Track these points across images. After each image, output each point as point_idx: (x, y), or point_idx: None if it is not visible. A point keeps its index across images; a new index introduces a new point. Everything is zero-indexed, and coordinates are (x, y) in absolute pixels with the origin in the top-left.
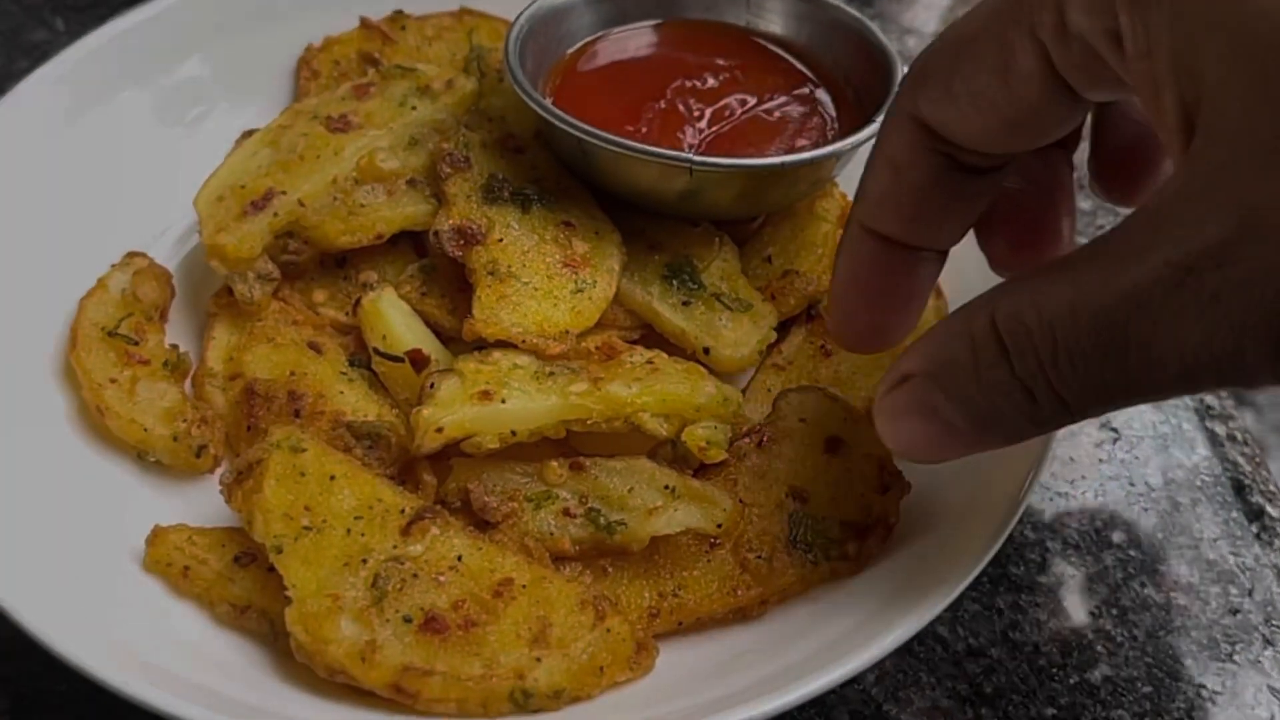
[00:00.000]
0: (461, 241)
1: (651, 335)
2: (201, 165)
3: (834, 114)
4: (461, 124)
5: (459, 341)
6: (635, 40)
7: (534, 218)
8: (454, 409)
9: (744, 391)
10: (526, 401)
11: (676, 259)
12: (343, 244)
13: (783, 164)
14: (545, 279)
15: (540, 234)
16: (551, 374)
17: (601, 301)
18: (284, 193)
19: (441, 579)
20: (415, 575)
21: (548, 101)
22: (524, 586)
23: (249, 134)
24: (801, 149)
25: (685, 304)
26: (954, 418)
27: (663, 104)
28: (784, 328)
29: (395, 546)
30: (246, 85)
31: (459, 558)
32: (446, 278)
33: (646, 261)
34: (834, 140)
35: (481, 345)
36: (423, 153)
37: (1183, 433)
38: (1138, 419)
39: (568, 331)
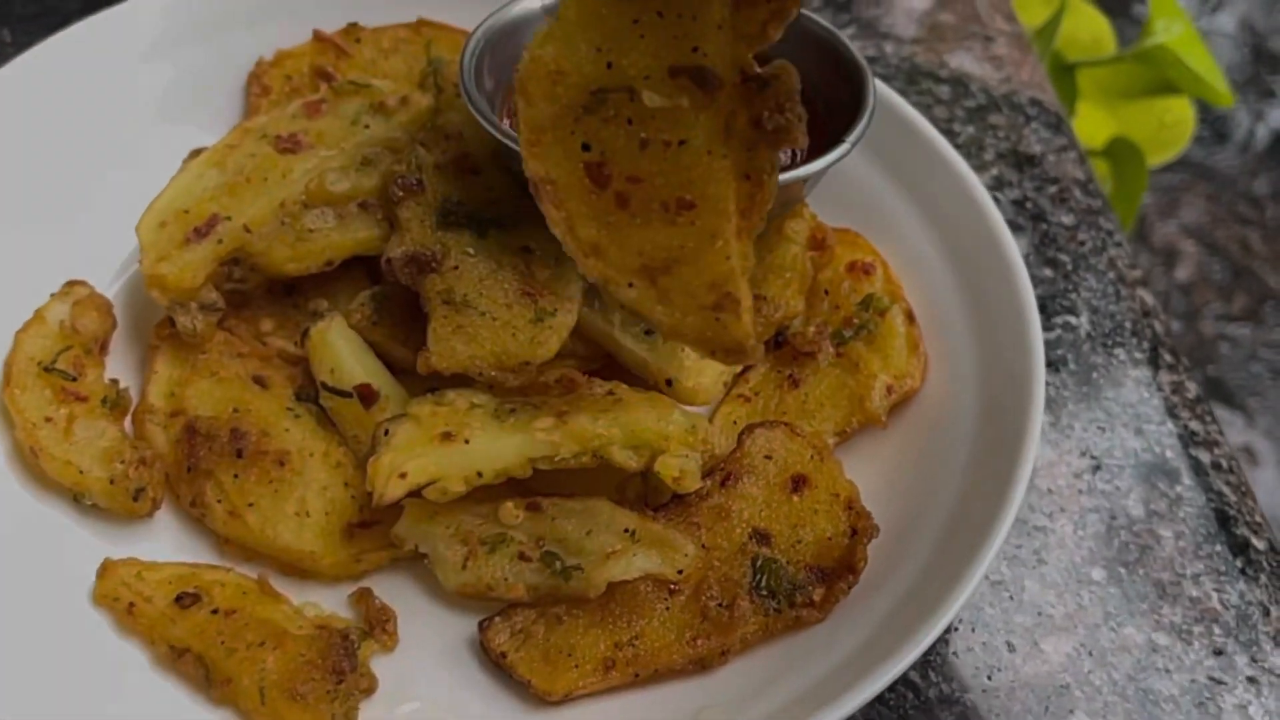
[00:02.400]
0: (414, 269)
1: (612, 366)
2: (148, 186)
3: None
4: (417, 142)
5: (413, 374)
6: None
7: (491, 243)
8: (415, 452)
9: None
10: (491, 440)
11: None
12: (290, 271)
13: None
14: (503, 308)
15: (497, 260)
16: (513, 411)
17: (562, 330)
18: (229, 218)
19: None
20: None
21: (505, 122)
22: None
23: (197, 153)
24: None
25: (648, 333)
26: None
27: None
28: None
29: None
30: (196, 101)
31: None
32: (399, 305)
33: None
34: (803, 160)
35: (436, 381)
36: (376, 174)
37: (1166, 461)
38: (1119, 447)
39: (527, 363)
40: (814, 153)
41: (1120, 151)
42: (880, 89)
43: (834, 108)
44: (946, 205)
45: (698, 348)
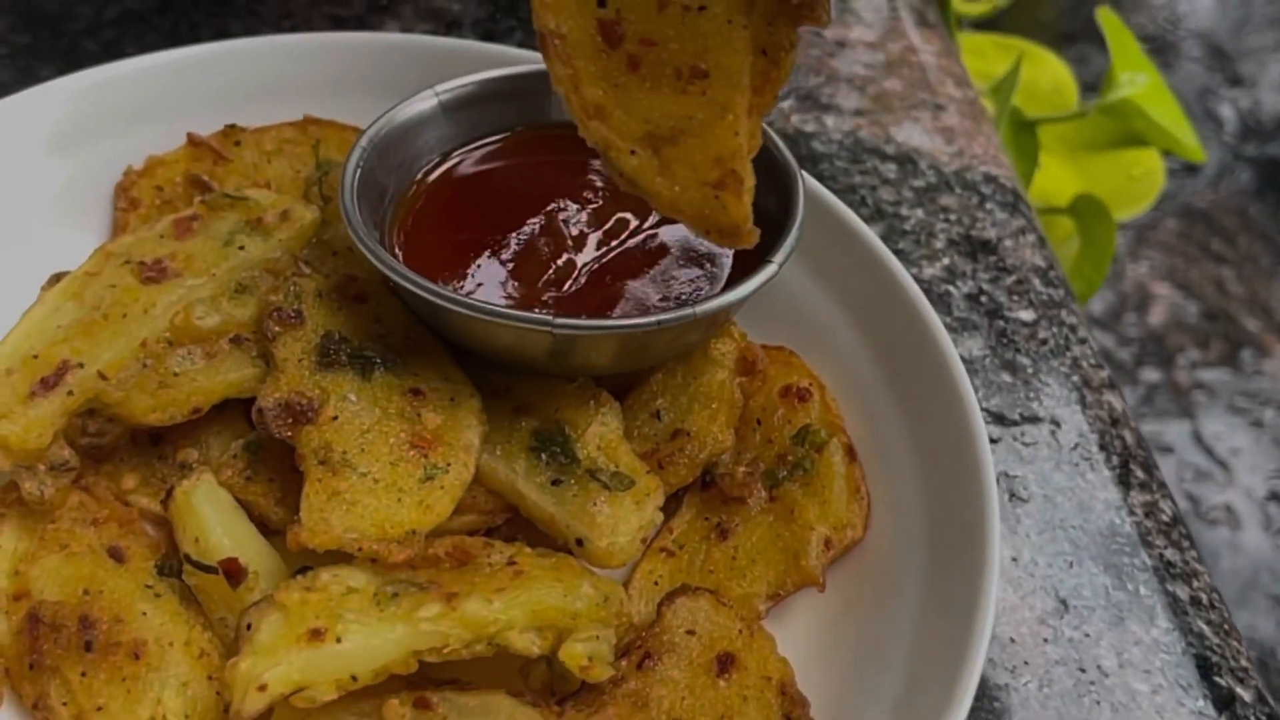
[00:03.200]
0: (289, 420)
1: (518, 519)
2: (3, 317)
3: None
4: (300, 261)
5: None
6: (499, 155)
7: (376, 386)
8: (279, 657)
9: (626, 585)
10: (368, 636)
11: (547, 425)
12: (152, 422)
13: (659, 323)
14: (388, 466)
15: (383, 407)
16: (395, 595)
17: (456, 489)
18: (81, 365)
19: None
20: None
21: (395, 248)
22: None
23: (57, 278)
24: (689, 291)
25: (555, 483)
26: None
27: (530, 234)
28: (675, 497)
29: None
30: (60, 216)
31: None
32: (276, 456)
33: (511, 430)
34: (729, 273)
35: (312, 557)
36: (251, 302)
37: (1140, 599)
38: (1088, 584)
39: (414, 532)
40: (740, 269)
41: (1086, 209)
42: (815, 188)
43: (761, 214)
44: (887, 321)
45: (693, 224)
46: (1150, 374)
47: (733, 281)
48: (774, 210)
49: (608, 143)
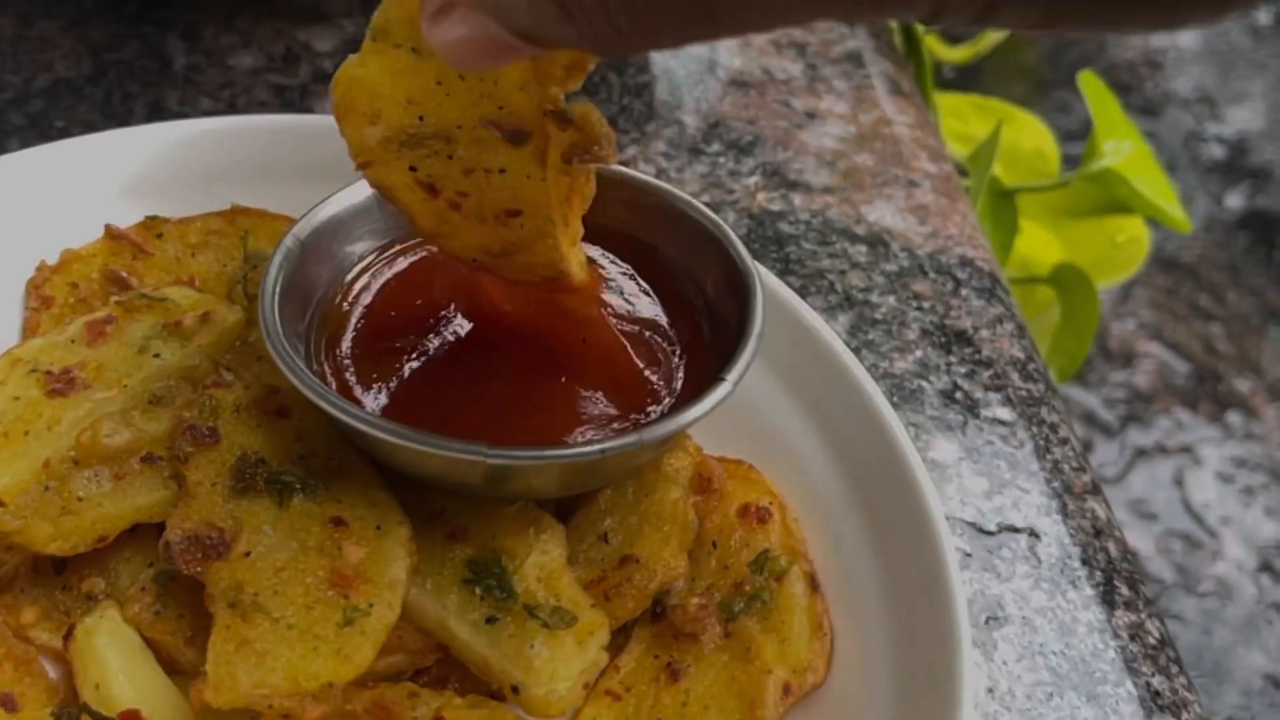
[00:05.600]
0: (198, 554)
1: (449, 656)
2: None
3: (681, 345)
4: (221, 367)
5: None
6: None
7: (294, 515)
8: None
9: None
10: None
11: (483, 553)
12: (54, 552)
13: (603, 452)
14: (303, 610)
15: (301, 540)
16: None
17: (378, 634)
18: None
19: None
20: None
21: (322, 357)
22: None
23: None
24: (639, 404)
25: (490, 621)
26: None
27: (469, 339)
28: (624, 629)
29: None
30: None
31: None
32: (188, 589)
33: (444, 559)
34: (681, 392)
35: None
36: (166, 415)
37: None
38: (1069, 718)
39: (331, 685)
40: (694, 383)
41: (1068, 280)
42: (775, 287)
43: (720, 327)
44: (849, 433)
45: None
46: (1137, 437)
47: (685, 397)
48: (734, 319)
49: (451, 253)
